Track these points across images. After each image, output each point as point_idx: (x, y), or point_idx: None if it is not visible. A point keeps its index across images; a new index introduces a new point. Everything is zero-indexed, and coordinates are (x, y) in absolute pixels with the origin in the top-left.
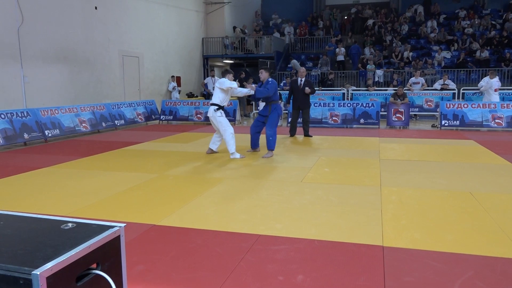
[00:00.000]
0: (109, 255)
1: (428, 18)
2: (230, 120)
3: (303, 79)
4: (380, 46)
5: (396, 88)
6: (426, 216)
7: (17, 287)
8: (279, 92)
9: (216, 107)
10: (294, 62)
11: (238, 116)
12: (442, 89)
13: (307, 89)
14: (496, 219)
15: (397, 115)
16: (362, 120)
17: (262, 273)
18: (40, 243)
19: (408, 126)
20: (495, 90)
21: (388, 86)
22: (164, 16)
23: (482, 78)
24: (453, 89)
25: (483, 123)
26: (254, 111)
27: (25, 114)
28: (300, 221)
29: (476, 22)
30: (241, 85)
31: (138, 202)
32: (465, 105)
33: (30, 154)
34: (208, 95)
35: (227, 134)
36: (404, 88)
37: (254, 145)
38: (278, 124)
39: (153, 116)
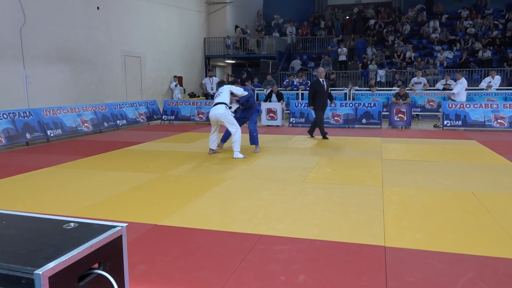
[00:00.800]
0: (111, 255)
1: (430, 18)
2: None
3: (324, 79)
4: (382, 46)
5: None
6: (428, 216)
7: (20, 287)
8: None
9: (225, 106)
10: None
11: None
12: (444, 89)
13: (329, 89)
14: (498, 219)
15: (399, 115)
16: (364, 120)
17: (264, 273)
18: (42, 243)
19: (410, 126)
20: (465, 90)
21: (391, 86)
22: (166, 16)
23: (484, 78)
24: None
25: (486, 123)
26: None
27: (27, 114)
28: (302, 221)
29: (479, 22)
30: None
31: (140, 202)
32: (468, 105)
33: (32, 154)
34: (207, 95)
35: (238, 134)
36: (406, 88)
37: (224, 140)
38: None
39: (155, 116)
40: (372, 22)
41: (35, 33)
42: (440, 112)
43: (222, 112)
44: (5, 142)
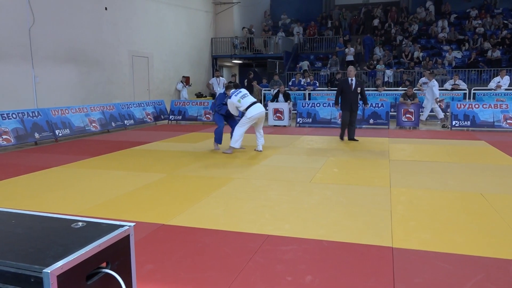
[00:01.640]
0: (118, 254)
1: (438, 17)
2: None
3: (354, 79)
4: (389, 46)
5: (406, 88)
6: (436, 217)
7: (29, 285)
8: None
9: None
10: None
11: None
12: (453, 89)
13: (359, 89)
14: (507, 220)
15: (407, 115)
16: (371, 121)
17: (271, 273)
18: (51, 241)
19: (418, 126)
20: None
21: (398, 86)
22: (173, 16)
23: (493, 78)
24: (464, 89)
25: (495, 123)
26: None
27: (36, 114)
28: (308, 221)
29: (488, 22)
30: (249, 85)
31: (147, 201)
32: (476, 106)
33: (40, 153)
34: (214, 96)
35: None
36: (414, 89)
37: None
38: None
39: (162, 116)
40: (375, 22)
41: (44, 34)
42: (448, 112)
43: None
44: (14, 142)
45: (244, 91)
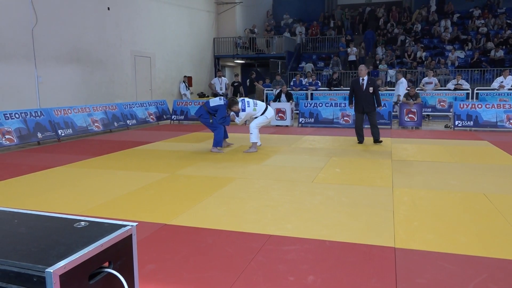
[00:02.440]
0: (121, 253)
1: (441, 17)
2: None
3: (366, 78)
4: (392, 45)
5: (408, 88)
6: (439, 217)
7: (31, 285)
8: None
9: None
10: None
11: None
12: (455, 89)
13: (371, 89)
14: (510, 221)
15: (410, 115)
16: None
17: (273, 273)
18: (54, 241)
19: (421, 126)
20: (406, 89)
21: None
22: (175, 16)
23: (496, 78)
24: (467, 89)
25: (498, 123)
26: None
27: (39, 114)
28: (311, 221)
29: (491, 21)
30: (252, 85)
31: (150, 201)
32: (479, 106)
33: (43, 153)
34: (216, 96)
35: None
36: (417, 88)
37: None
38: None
39: (164, 116)
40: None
41: (47, 34)
42: (451, 112)
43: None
44: (17, 142)
45: (246, 99)
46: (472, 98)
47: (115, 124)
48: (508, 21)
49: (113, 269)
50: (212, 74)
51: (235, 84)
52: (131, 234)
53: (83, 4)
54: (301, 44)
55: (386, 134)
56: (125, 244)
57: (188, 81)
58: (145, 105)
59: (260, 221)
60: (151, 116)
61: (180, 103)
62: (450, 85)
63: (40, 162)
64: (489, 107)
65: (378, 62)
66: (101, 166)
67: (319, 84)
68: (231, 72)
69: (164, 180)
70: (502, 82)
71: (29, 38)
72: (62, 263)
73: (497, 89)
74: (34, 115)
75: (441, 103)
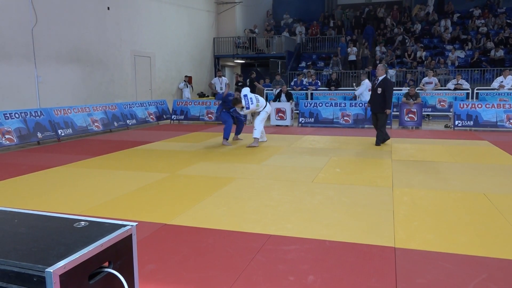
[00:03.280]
0: (121, 253)
1: (441, 17)
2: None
3: (380, 78)
4: (392, 45)
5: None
6: (439, 217)
7: (31, 285)
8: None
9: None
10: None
11: (249, 116)
12: (455, 89)
13: (379, 90)
14: (510, 220)
15: (410, 115)
16: None
17: (273, 273)
18: (54, 241)
19: (421, 126)
20: (369, 90)
21: (401, 86)
22: (175, 16)
23: (496, 78)
24: (467, 89)
25: (498, 123)
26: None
27: (39, 114)
28: (311, 221)
29: (491, 21)
30: (252, 85)
31: (150, 201)
32: (479, 105)
33: (43, 153)
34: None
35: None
36: (417, 88)
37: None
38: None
39: (164, 116)
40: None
41: (47, 33)
42: (451, 112)
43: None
44: (17, 141)
45: (249, 95)
46: (472, 98)
47: (115, 124)
48: (508, 21)
49: (113, 269)
50: (212, 74)
51: (239, 84)
52: (131, 234)
53: (83, 4)
54: (301, 44)
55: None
56: (125, 244)
57: (189, 80)
58: (145, 105)
59: (260, 221)
60: (151, 116)
61: (180, 103)
62: (450, 85)
63: (40, 162)
64: (489, 107)
65: (378, 62)
66: (101, 166)
67: (319, 84)
68: (231, 72)
69: (164, 180)
70: (502, 82)
71: (29, 38)
72: (62, 263)
73: (497, 89)
74: (34, 115)
75: (441, 103)
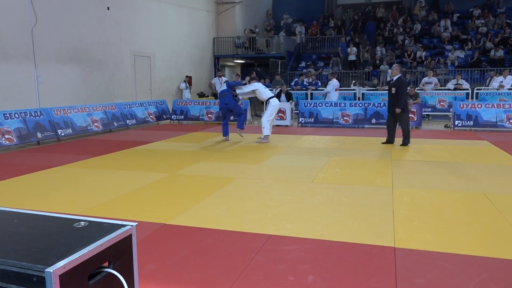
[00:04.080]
0: (121, 253)
1: (441, 17)
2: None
3: (395, 78)
4: (392, 45)
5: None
6: (439, 217)
7: (31, 285)
8: None
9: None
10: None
11: (249, 116)
12: (455, 89)
13: (393, 90)
14: (510, 220)
15: (409, 115)
16: (373, 120)
17: (273, 273)
18: (53, 241)
19: (421, 126)
20: (336, 90)
21: None
22: (175, 16)
23: (495, 78)
24: (467, 89)
25: (498, 123)
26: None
27: (39, 114)
28: (311, 221)
29: (491, 21)
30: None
31: (149, 201)
32: (479, 105)
33: (43, 153)
34: (216, 95)
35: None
36: (417, 88)
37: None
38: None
39: (164, 116)
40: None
41: (46, 33)
42: (451, 112)
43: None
44: (17, 141)
45: (256, 85)
46: (472, 98)
47: (115, 124)
48: (508, 21)
49: (113, 269)
50: (212, 74)
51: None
52: (131, 234)
53: (83, 4)
54: (301, 44)
55: (386, 134)
56: (125, 244)
57: (189, 81)
58: (144, 105)
59: (260, 221)
60: (151, 116)
61: (180, 103)
62: (450, 85)
63: (40, 162)
64: (489, 107)
65: (378, 62)
66: (101, 166)
67: (319, 84)
68: (231, 72)
69: (164, 180)
70: (502, 82)
71: (28, 38)
72: (61, 263)
73: (497, 89)
74: (33, 115)
75: (441, 103)
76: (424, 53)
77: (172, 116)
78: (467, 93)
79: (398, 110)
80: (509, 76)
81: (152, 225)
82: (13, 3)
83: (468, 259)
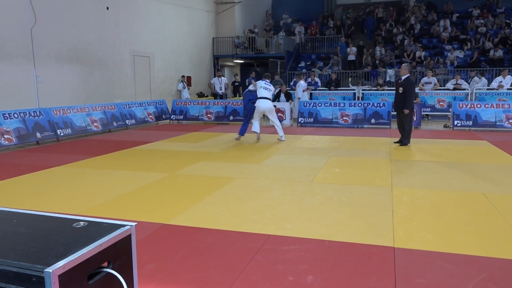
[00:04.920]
0: (120, 253)
1: (440, 17)
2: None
3: (403, 78)
4: (391, 45)
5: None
6: (438, 217)
7: (30, 285)
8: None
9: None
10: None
11: None
12: (454, 89)
13: (400, 89)
14: (509, 220)
15: None
16: (373, 120)
17: (272, 273)
18: (53, 241)
19: (420, 126)
20: (304, 91)
21: None
22: (175, 16)
23: (495, 78)
24: (466, 89)
25: (497, 123)
26: None
27: (38, 114)
28: (310, 221)
29: (490, 21)
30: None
31: (149, 201)
32: (478, 105)
33: (42, 153)
34: (216, 95)
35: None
36: (416, 88)
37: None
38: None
39: (163, 116)
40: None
41: (46, 33)
42: (450, 112)
43: (270, 106)
44: (16, 141)
45: (260, 83)
46: (471, 98)
47: (114, 124)
48: (507, 21)
49: (112, 269)
50: (211, 74)
51: (236, 84)
52: (130, 234)
53: (83, 4)
54: (301, 44)
55: (385, 134)
56: (124, 244)
57: (188, 80)
58: (144, 105)
59: (259, 221)
60: (150, 116)
61: (180, 103)
62: (449, 85)
63: (39, 162)
64: (488, 107)
65: (377, 61)
66: (100, 166)
67: (319, 84)
68: (230, 72)
69: (163, 180)
70: (501, 82)
71: (28, 38)
72: (61, 263)
73: (496, 89)
74: (33, 115)
75: (440, 103)
76: (423, 53)
77: (172, 116)
78: (466, 93)
79: (406, 111)
80: (508, 76)
81: (151, 225)
82: (13, 3)
83: (468, 259)
